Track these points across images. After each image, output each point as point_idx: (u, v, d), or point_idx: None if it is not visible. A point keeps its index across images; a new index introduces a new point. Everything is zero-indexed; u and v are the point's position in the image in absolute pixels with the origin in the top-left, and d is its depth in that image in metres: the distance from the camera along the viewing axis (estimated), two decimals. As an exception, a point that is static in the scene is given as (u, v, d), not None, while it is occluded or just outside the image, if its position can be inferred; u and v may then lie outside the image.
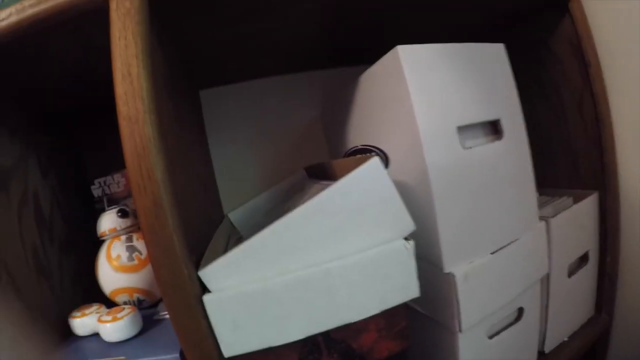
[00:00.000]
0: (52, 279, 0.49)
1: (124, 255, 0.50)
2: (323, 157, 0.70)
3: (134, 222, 0.53)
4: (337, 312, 0.32)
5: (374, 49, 0.43)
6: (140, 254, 0.50)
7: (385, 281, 0.32)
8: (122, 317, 0.42)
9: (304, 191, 0.53)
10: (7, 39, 0.30)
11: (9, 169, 0.44)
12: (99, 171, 0.68)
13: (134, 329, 0.43)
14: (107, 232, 0.52)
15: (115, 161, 0.63)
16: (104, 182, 0.66)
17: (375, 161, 0.31)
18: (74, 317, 0.47)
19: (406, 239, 0.32)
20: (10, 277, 0.40)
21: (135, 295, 0.50)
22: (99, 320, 0.43)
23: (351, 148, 0.54)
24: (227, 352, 0.31)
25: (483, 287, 0.40)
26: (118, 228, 0.52)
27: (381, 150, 0.45)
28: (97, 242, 0.59)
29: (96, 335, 0.45)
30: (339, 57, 0.66)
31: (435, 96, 0.38)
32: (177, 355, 0.36)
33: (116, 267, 0.49)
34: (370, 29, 0.53)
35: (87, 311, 0.47)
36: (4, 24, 0.29)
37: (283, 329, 0.31)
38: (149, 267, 0.49)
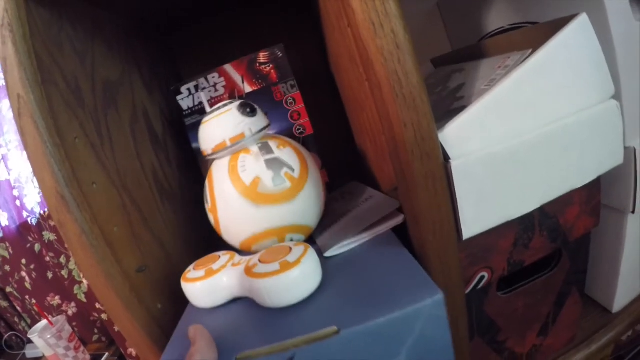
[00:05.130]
0: (176, 202, 0.48)
1: (266, 175, 0.34)
2: (444, 48, 0.73)
3: (267, 122, 0.38)
4: (566, 176, 0.33)
5: None
6: (292, 170, 0.35)
7: (597, 145, 0.34)
8: (298, 261, 0.29)
9: (466, 72, 0.46)
10: None
11: (115, 82, 0.44)
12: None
13: (317, 278, 0.30)
14: (229, 143, 0.35)
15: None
16: (195, 88, 0.54)
17: (584, 18, 0.32)
18: (191, 279, 0.33)
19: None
20: (134, 204, 0.39)
21: (289, 237, 0.36)
22: (252, 274, 0.29)
23: (494, 31, 0.55)
24: (467, 233, 0.30)
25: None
26: (248, 134, 0.35)
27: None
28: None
29: (234, 302, 0.33)
30: None
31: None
32: (441, 295, 0.26)
33: (257, 198, 0.34)
34: None
35: (214, 265, 0.34)
36: None
37: (522, 199, 0.32)
38: (307, 189, 0.36)
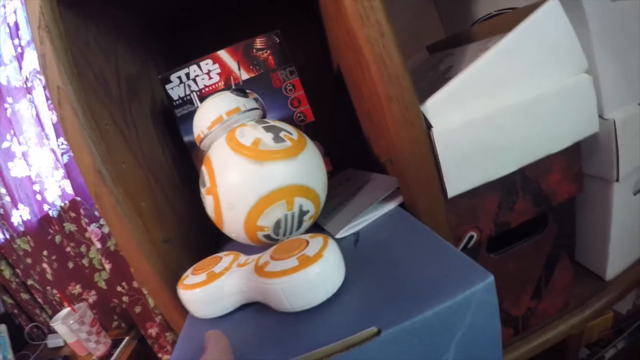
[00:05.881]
0: (194, 184, 0.53)
1: (267, 137, 0.35)
2: (438, 35, 0.80)
3: (258, 105, 0.42)
4: (542, 142, 0.39)
5: None
6: (290, 133, 0.37)
7: (571, 114, 0.39)
8: (319, 254, 0.26)
9: (455, 56, 0.51)
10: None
11: (136, 77, 0.51)
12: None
13: (341, 272, 0.28)
14: (225, 117, 0.38)
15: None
16: (187, 76, 0.52)
17: (554, 2, 0.36)
18: (189, 286, 0.30)
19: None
20: (157, 183, 0.46)
21: (298, 202, 0.35)
22: (264, 274, 0.26)
23: (482, 17, 0.61)
24: (451, 191, 0.36)
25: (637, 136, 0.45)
26: (243, 108, 0.39)
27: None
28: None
29: (242, 309, 0.29)
30: None
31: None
32: (492, 278, 0.23)
33: (258, 155, 0.34)
34: None
35: (216, 268, 0.31)
36: None
37: (500, 161, 0.37)
38: (308, 151, 0.37)
